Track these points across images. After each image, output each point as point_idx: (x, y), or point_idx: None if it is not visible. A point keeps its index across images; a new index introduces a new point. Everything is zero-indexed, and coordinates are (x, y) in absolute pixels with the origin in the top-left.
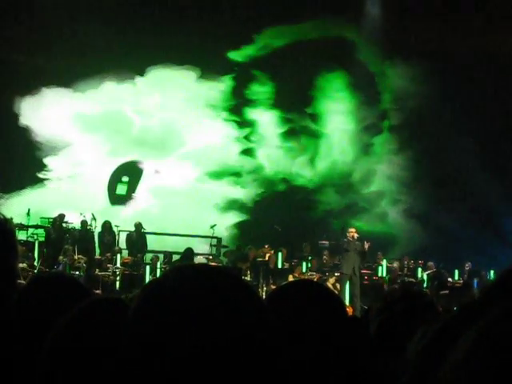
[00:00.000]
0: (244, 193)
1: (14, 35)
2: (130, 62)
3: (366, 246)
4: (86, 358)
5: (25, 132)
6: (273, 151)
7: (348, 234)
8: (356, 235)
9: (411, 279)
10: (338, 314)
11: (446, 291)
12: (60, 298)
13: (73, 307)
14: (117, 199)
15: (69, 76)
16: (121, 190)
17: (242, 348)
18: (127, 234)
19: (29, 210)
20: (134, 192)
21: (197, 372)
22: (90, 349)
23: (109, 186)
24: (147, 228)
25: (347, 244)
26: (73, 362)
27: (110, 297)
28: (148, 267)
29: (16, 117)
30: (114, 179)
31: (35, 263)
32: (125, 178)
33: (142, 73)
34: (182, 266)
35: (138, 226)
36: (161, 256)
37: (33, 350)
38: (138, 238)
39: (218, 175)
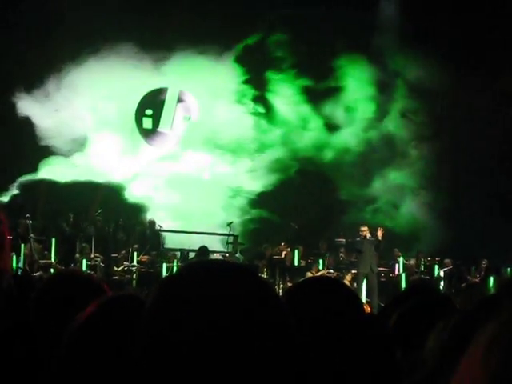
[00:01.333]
0: (260, 187)
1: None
2: (149, 54)
3: (380, 233)
4: (102, 353)
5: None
6: (292, 143)
7: (361, 234)
8: (368, 235)
9: (427, 277)
10: (355, 310)
11: (464, 284)
12: (77, 295)
13: (90, 304)
14: (146, 134)
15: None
16: (147, 124)
17: (258, 345)
18: (141, 232)
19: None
20: (158, 126)
21: (211, 367)
22: (107, 344)
23: (136, 121)
24: (163, 225)
25: (360, 244)
26: (90, 358)
27: (127, 293)
28: (165, 265)
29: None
30: (139, 113)
31: (51, 261)
32: (148, 112)
33: (160, 65)
34: (198, 262)
35: (152, 223)
36: (178, 254)
37: (51, 346)
38: (151, 235)
39: (236, 171)
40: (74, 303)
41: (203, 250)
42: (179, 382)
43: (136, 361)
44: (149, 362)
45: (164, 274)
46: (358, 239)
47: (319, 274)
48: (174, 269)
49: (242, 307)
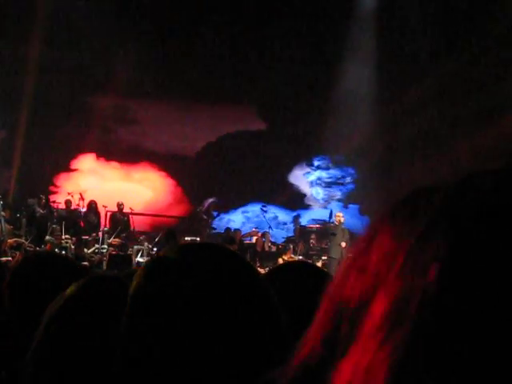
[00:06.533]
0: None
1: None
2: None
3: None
4: (83, 335)
5: None
6: None
7: (335, 219)
8: (343, 219)
9: None
10: None
11: None
12: (53, 276)
13: (66, 285)
14: None
15: None
16: None
17: (246, 325)
18: (111, 214)
19: (15, 189)
20: None
21: (200, 349)
22: (88, 327)
23: None
24: (136, 208)
25: (334, 227)
26: (70, 341)
27: (108, 275)
28: (135, 248)
29: None
30: None
31: (22, 240)
32: None
33: None
34: (186, 245)
35: (120, 205)
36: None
37: (28, 328)
38: (121, 217)
39: None
40: (52, 285)
41: (171, 234)
42: (166, 367)
43: (121, 344)
44: (136, 345)
45: (135, 256)
46: (333, 224)
47: (290, 260)
48: (144, 252)
49: (230, 288)
